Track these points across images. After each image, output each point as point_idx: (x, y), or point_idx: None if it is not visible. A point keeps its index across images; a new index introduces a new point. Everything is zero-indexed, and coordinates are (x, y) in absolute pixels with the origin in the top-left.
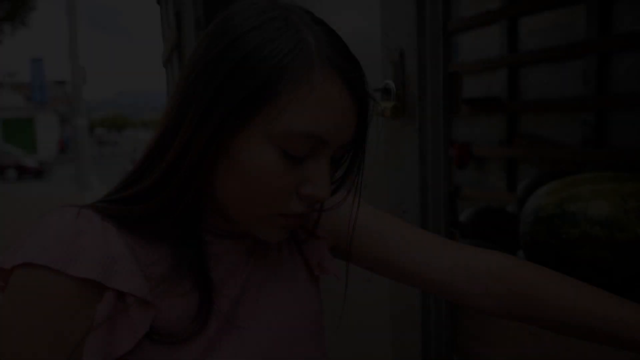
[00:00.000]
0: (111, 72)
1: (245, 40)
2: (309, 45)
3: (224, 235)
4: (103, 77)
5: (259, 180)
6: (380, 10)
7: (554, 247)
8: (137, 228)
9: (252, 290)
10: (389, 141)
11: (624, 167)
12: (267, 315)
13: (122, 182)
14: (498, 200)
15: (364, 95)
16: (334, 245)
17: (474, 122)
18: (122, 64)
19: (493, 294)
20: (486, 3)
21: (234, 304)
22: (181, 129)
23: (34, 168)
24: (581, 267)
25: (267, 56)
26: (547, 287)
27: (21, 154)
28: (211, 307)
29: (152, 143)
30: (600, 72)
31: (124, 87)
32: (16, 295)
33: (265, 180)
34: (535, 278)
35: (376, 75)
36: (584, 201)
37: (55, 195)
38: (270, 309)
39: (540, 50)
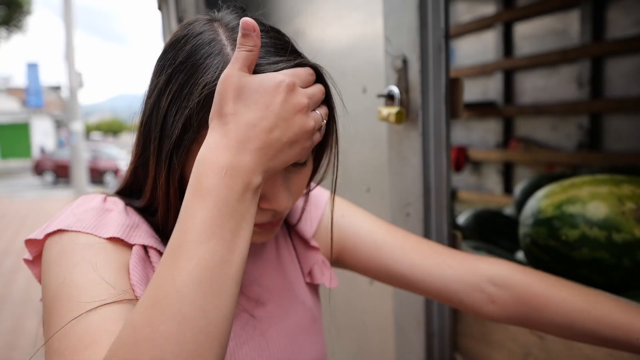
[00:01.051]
0: (107, 77)
1: (176, 77)
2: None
3: None
4: (99, 81)
5: None
6: (383, 18)
7: (554, 248)
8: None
9: (254, 287)
10: (392, 145)
11: (618, 169)
12: (273, 309)
13: (119, 191)
14: (494, 203)
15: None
16: (335, 256)
17: (470, 126)
18: (118, 69)
19: (496, 301)
20: (481, 9)
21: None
22: (149, 165)
23: None
24: (580, 267)
25: (193, 91)
26: (549, 293)
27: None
28: None
29: (132, 169)
30: (594, 77)
31: (120, 92)
32: (54, 250)
33: None
34: (537, 284)
35: (380, 81)
36: (583, 203)
37: (52, 199)
38: (274, 305)
39: (535, 55)
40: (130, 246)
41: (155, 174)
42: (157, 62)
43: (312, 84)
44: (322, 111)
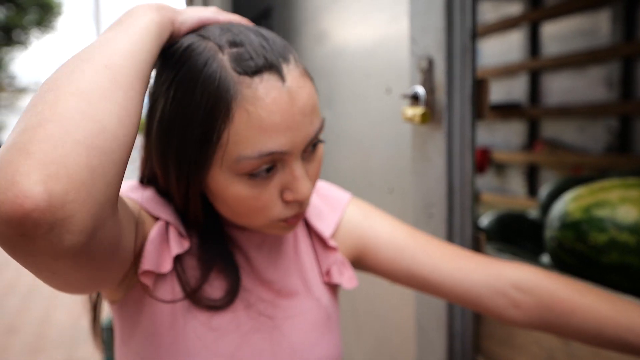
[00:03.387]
0: None
1: (175, 98)
2: (223, 72)
3: (241, 228)
4: None
5: (240, 206)
6: (410, 19)
7: (581, 252)
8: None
9: (270, 283)
10: (416, 146)
11: None
12: (286, 309)
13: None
14: (518, 206)
15: (303, 76)
16: (356, 259)
17: (494, 127)
18: None
19: (520, 306)
20: (507, 8)
21: (256, 287)
22: (170, 183)
23: None
24: (609, 272)
25: (196, 109)
26: (575, 299)
27: None
28: (238, 282)
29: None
30: (624, 78)
31: None
32: None
33: (246, 205)
34: (563, 290)
35: (404, 82)
36: (612, 207)
37: None
38: (290, 300)
39: (563, 55)
40: (151, 217)
41: (176, 188)
42: (157, 77)
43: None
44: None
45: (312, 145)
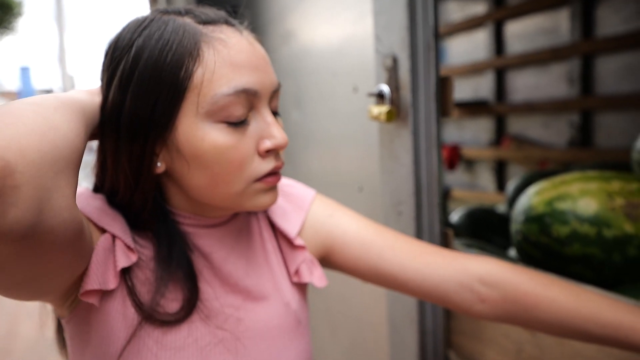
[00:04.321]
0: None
1: (137, 53)
2: (187, 24)
3: (207, 226)
4: (91, 84)
5: (219, 159)
6: (374, 17)
7: (545, 244)
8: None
9: (236, 290)
10: (383, 144)
11: (609, 165)
12: (251, 312)
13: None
14: (488, 201)
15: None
16: (324, 257)
17: (462, 124)
18: None
19: (486, 300)
20: (472, 8)
21: (218, 295)
22: (120, 163)
23: None
24: (572, 263)
25: (162, 56)
26: (538, 291)
27: None
28: (196, 294)
29: (99, 165)
30: (584, 74)
31: None
32: None
33: (225, 157)
34: (527, 283)
35: (371, 80)
36: (573, 200)
37: None
38: (258, 307)
39: (526, 53)
40: (97, 229)
41: (129, 163)
42: (109, 56)
43: None
44: None
45: (274, 97)
